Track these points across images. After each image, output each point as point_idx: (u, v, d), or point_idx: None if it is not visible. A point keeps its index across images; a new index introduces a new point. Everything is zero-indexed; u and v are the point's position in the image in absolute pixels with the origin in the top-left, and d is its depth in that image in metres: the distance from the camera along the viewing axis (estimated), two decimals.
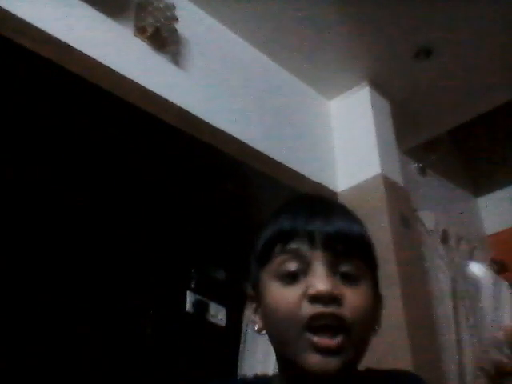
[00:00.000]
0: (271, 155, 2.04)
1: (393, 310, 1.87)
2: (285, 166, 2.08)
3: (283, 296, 0.64)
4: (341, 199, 2.25)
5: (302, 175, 2.14)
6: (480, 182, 3.30)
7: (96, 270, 1.84)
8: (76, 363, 1.67)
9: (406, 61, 2.31)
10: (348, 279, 0.64)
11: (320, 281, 0.62)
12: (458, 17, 2.13)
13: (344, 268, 0.64)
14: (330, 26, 2.15)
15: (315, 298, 0.61)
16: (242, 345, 2.19)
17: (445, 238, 2.67)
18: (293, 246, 0.65)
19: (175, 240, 2.06)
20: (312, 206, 0.70)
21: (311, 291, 0.61)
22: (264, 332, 0.69)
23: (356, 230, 0.68)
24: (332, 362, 0.60)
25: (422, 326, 1.98)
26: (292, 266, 0.64)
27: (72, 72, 1.49)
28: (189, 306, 2.07)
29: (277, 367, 0.70)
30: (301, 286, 0.63)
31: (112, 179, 1.84)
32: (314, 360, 0.60)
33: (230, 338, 2.12)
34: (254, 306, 0.71)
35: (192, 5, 2.01)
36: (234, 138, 1.91)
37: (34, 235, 1.73)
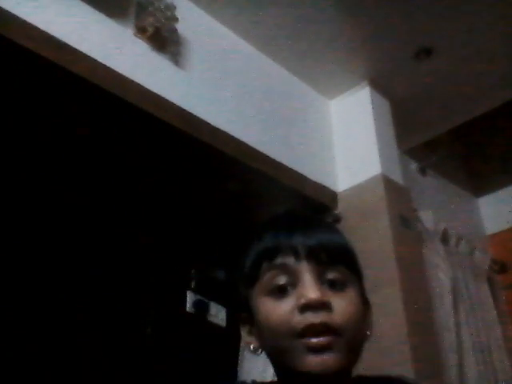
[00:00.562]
0: (271, 155, 2.04)
1: (393, 310, 1.87)
2: (285, 165, 2.08)
3: (275, 310, 0.66)
4: (341, 199, 2.25)
5: (302, 175, 2.14)
6: (480, 182, 3.30)
7: (96, 270, 1.84)
8: (76, 363, 1.68)
9: (405, 61, 2.31)
10: (335, 286, 0.67)
11: (309, 290, 0.65)
12: (457, 17, 2.13)
13: (330, 275, 0.67)
14: (330, 26, 2.15)
15: (306, 307, 0.64)
16: (242, 345, 2.19)
17: (445, 238, 2.67)
18: (279, 261, 0.68)
19: (175, 240, 2.06)
20: (292, 222, 0.73)
21: (302, 301, 0.64)
22: (260, 351, 0.71)
23: (337, 241, 0.71)
24: (329, 360, 0.62)
25: (422, 325, 1.98)
26: (281, 280, 0.67)
27: (72, 72, 1.49)
28: (189, 306, 2.07)
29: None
30: (292, 298, 0.66)
31: (111, 179, 1.84)
32: (311, 360, 0.62)
33: (230, 339, 2.12)
34: (247, 327, 0.73)
35: (192, 5, 2.01)
36: (233, 137, 1.91)
37: (35, 236, 1.73)
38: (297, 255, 0.67)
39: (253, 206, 2.05)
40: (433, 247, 2.53)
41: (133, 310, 1.90)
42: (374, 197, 2.15)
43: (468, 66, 2.36)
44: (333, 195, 2.24)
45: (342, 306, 0.65)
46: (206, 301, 2.14)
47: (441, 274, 2.48)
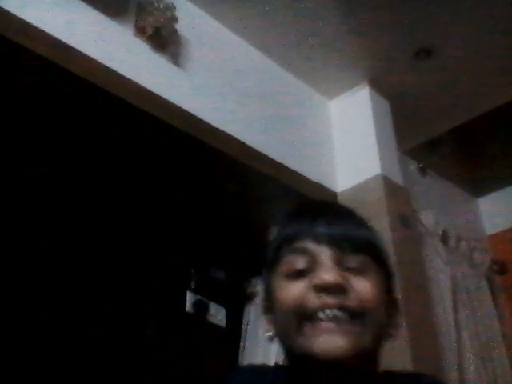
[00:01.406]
0: (271, 155, 2.04)
1: None
2: (285, 166, 2.08)
3: (290, 290, 0.65)
4: (341, 199, 2.25)
5: (302, 175, 2.14)
6: (480, 182, 3.29)
7: (97, 271, 1.84)
8: (76, 363, 1.67)
9: (405, 61, 2.31)
10: (355, 271, 0.65)
11: (326, 271, 0.63)
12: (458, 17, 2.12)
13: (350, 263, 0.65)
14: (330, 27, 2.15)
15: (321, 288, 0.62)
16: (241, 345, 2.19)
17: (445, 238, 2.67)
18: (299, 244, 0.66)
19: (175, 240, 2.06)
20: (317, 210, 0.72)
21: (316, 281, 0.62)
22: (275, 339, 0.69)
23: (361, 232, 0.70)
24: (339, 341, 0.59)
25: (422, 325, 1.98)
26: (300, 264, 0.65)
27: (72, 72, 1.48)
28: (189, 306, 2.07)
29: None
30: (308, 278, 0.64)
31: (111, 180, 1.84)
32: (321, 340, 0.60)
33: (230, 338, 2.13)
34: (268, 316, 0.72)
35: (192, 5, 2.01)
36: (234, 138, 1.91)
37: (35, 235, 1.73)
38: (318, 240, 0.66)
39: (253, 206, 2.05)
40: (433, 247, 2.53)
41: (133, 310, 1.90)
42: (374, 197, 2.15)
43: (468, 65, 2.36)
44: (332, 195, 2.24)
45: (360, 288, 0.63)
46: (206, 301, 2.14)
47: (441, 274, 2.48)
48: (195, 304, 2.09)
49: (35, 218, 1.75)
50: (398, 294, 0.65)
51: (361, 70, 2.37)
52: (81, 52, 1.54)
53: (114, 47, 1.66)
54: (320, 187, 2.21)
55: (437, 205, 2.81)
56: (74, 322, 1.72)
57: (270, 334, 0.70)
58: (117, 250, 1.92)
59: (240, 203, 2.02)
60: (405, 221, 2.16)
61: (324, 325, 0.60)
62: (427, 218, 2.56)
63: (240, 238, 2.07)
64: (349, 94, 2.48)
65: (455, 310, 2.43)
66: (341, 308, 0.61)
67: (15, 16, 1.42)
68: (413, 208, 2.39)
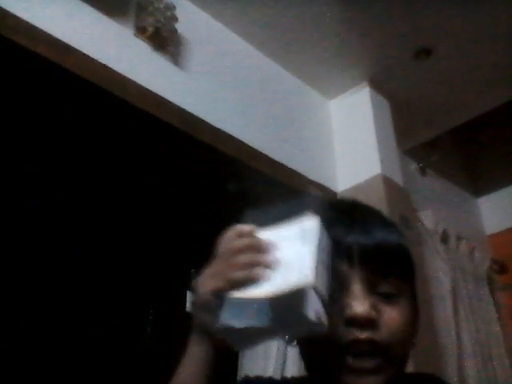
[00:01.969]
0: (271, 155, 2.04)
1: None
2: (285, 165, 2.08)
3: None
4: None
5: (302, 175, 2.14)
6: (480, 181, 3.30)
7: (96, 270, 1.84)
8: (76, 363, 1.67)
9: (406, 61, 2.31)
10: (387, 297, 0.63)
11: (358, 302, 0.61)
12: (458, 17, 2.12)
13: (382, 288, 0.63)
14: (330, 26, 2.15)
15: (352, 321, 0.60)
16: None
17: (445, 238, 2.67)
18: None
19: (175, 240, 2.05)
20: (350, 220, 0.67)
21: (348, 313, 0.60)
22: (295, 344, 0.67)
23: (394, 240, 0.67)
24: (371, 382, 0.59)
25: (422, 325, 1.98)
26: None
27: (72, 72, 1.48)
28: (189, 306, 2.07)
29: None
30: (337, 305, 0.61)
31: (111, 179, 1.84)
32: (352, 381, 0.59)
33: None
34: None
35: (192, 5, 2.01)
36: (233, 137, 1.91)
37: (35, 235, 1.73)
38: (350, 259, 0.62)
39: (252, 206, 2.04)
40: (433, 247, 2.53)
41: (133, 310, 1.90)
42: (374, 197, 2.15)
43: (468, 65, 2.36)
44: (333, 195, 2.24)
45: (391, 319, 0.61)
46: None
47: (441, 274, 2.48)
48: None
49: (35, 218, 1.75)
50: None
51: (361, 69, 2.37)
52: (81, 52, 1.54)
53: (114, 47, 1.66)
54: (320, 187, 2.21)
55: (437, 205, 2.81)
56: (74, 322, 1.72)
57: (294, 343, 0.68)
58: (117, 249, 1.91)
59: (239, 203, 2.02)
60: (405, 221, 2.16)
61: (356, 362, 0.59)
62: (427, 218, 2.56)
63: None
64: (349, 94, 2.48)
65: (455, 310, 2.43)
66: (371, 343, 0.59)
67: (15, 16, 1.42)
68: (413, 208, 2.39)
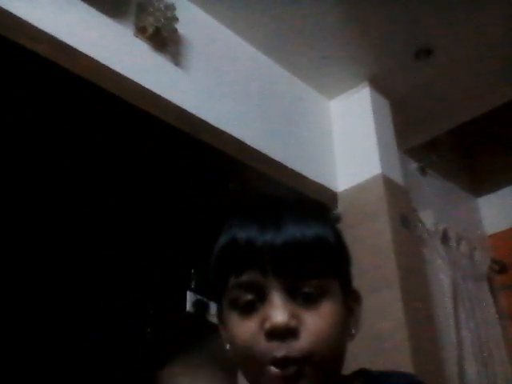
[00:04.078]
0: (271, 155, 2.04)
1: (393, 310, 1.87)
2: (285, 166, 2.08)
3: (240, 329, 0.61)
4: (341, 199, 2.25)
5: (302, 175, 2.14)
6: (480, 182, 3.30)
7: (96, 270, 1.84)
8: (76, 363, 1.67)
9: (405, 61, 2.31)
10: (309, 299, 0.59)
11: (276, 311, 0.58)
12: (458, 17, 2.13)
13: (304, 289, 0.59)
14: (330, 26, 2.15)
15: (272, 333, 0.57)
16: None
17: (445, 238, 2.67)
18: (245, 278, 0.60)
19: (175, 240, 2.06)
20: (262, 222, 0.62)
21: (267, 326, 0.58)
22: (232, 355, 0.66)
23: (309, 235, 0.61)
24: None
25: (422, 326, 1.98)
26: (248, 296, 0.60)
27: (72, 72, 1.49)
28: (189, 306, 2.07)
29: None
30: (258, 317, 0.59)
31: (111, 179, 1.84)
32: None
33: None
34: (223, 333, 0.68)
35: (192, 5, 2.01)
36: (233, 137, 1.91)
37: (35, 235, 1.73)
38: (263, 266, 0.59)
39: (253, 206, 2.04)
40: (433, 247, 2.53)
41: (133, 310, 1.90)
42: (374, 197, 2.16)
43: (468, 65, 2.36)
44: (333, 195, 2.24)
45: (314, 325, 0.58)
46: (206, 301, 2.14)
47: (441, 274, 2.48)
48: (195, 304, 2.09)
49: (35, 218, 1.75)
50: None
51: (361, 69, 2.37)
52: (81, 52, 1.54)
53: (114, 47, 1.66)
54: (320, 187, 2.21)
55: (437, 205, 2.81)
56: (74, 322, 1.72)
57: (228, 348, 0.66)
58: (117, 249, 1.92)
59: (239, 203, 2.02)
60: (405, 221, 2.16)
61: (277, 375, 0.57)
62: (427, 218, 2.56)
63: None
64: (349, 94, 2.48)
65: (455, 310, 2.44)
66: (292, 351, 0.57)
67: (15, 16, 1.42)
68: (413, 208, 2.39)
